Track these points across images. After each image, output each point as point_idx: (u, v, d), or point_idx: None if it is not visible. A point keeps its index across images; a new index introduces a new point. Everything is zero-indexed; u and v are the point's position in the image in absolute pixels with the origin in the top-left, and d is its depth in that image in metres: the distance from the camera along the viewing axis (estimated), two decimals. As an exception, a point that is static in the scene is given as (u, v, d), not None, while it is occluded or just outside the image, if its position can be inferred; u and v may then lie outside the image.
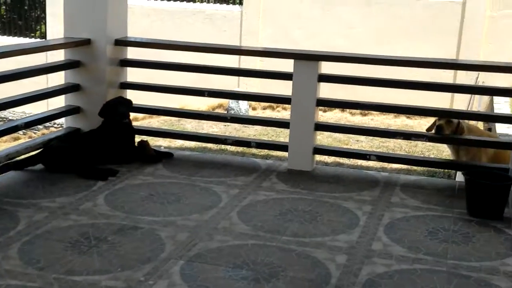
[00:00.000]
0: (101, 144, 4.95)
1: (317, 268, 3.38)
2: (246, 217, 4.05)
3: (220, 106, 10.71)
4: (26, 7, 12.26)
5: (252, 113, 10.85)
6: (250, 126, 9.31)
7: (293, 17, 11.89)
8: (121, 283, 3.12)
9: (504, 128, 6.71)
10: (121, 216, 3.97)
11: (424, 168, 7.44)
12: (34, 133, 9.67)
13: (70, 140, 5.03)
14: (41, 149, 4.90)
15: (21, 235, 3.63)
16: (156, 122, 9.50)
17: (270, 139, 8.69)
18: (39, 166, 4.81)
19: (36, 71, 5.17)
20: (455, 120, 5.07)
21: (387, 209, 4.28)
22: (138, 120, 9.32)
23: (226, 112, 10.50)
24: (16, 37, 12.02)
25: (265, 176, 4.89)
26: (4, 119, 10.84)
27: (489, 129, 7.01)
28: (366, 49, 10.32)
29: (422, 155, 8.53)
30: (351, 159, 7.25)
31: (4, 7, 12.28)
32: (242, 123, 8.71)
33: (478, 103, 10.47)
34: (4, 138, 7.71)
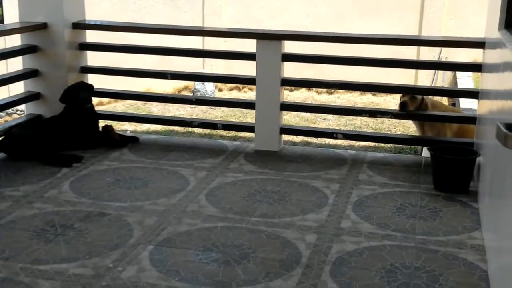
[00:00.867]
0: (64, 130, 4.85)
1: (287, 248, 3.38)
2: (214, 199, 4.02)
3: (186, 88, 10.62)
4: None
5: (218, 95, 10.78)
6: (217, 108, 9.25)
7: (256, -3, 11.81)
8: (89, 271, 3.07)
9: (468, 103, 6.79)
10: (88, 203, 3.90)
11: (391, 145, 7.51)
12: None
13: (32, 127, 4.92)
14: (1, 137, 4.78)
15: (-16, 225, 3.54)
16: (121, 106, 9.37)
17: (237, 121, 8.65)
18: (1, 155, 4.70)
19: (-7, 56, 5.04)
20: (419, 96, 5.10)
21: (355, 187, 4.30)
22: (103, 104, 9.18)
23: (192, 94, 10.41)
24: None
25: (233, 158, 4.87)
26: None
27: (453, 104, 7.09)
28: (330, 28, 10.31)
29: (389, 132, 8.60)
30: (319, 138, 7.27)
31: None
32: (208, 105, 8.65)
33: (442, 79, 10.60)
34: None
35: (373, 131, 8.66)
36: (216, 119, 8.50)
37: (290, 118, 8.57)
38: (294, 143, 7.40)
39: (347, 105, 9.89)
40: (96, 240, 3.40)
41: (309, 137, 7.47)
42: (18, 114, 9.64)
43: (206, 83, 10.21)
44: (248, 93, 10.61)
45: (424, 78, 11.17)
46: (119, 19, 8.88)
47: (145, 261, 3.18)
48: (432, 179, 4.33)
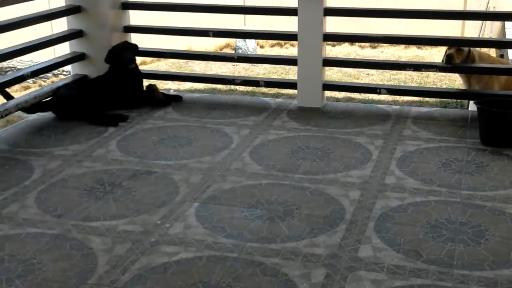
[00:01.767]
0: (109, 90, 4.93)
1: (331, 204, 3.40)
2: (258, 157, 4.05)
3: (227, 45, 10.58)
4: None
5: (260, 52, 10.71)
6: (259, 64, 9.21)
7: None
8: (138, 227, 3.16)
9: (517, 55, 6.58)
10: (134, 161, 3.99)
11: (436, 99, 7.37)
12: (44, 81, 9.64)
13: (78, 87, 5.01)
14: (50, 97, 4.89)
15: (37, 183, 3.67)
16: (164, 65, 9.42)
17: (280, 77, 8.61)
18: (50, 115, 4.82)
19: (37, 18, 5.09)
20: (466, 48, 4.97)
21: (399, 142, 4.26)
22: (146, 64, 9.25)
23: (234, 51, 10.38)
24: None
25: (276, 115, 4.87)
26: (13, 68, 10.79)
27: (501, 56, 6.88)
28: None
29: (434, 86, 8.44)
30: (362, 94, 7.18)
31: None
32: (250, 62, 8.64)
33: (490, 30, 10.27)
34: (15, 87, 7.70)
35: (418, 85, 8.51)
36: (258, 77, 8.48)
37: (333, 74, 8.48)
38: (337, 99, 7.34)
39: (390, 59, 9.71)
40: (144, 198, 3.49)
41: (352, 93, 7.38)
42: (64, 75, 9.81)
43: (247, 40, 10.15)
44: (290, 49, 10.51)
45: (471, 29, 10.84)
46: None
47: (191, 218, 3.25)
48: (479, 134, 4.26)
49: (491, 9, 10.29)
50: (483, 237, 3.03)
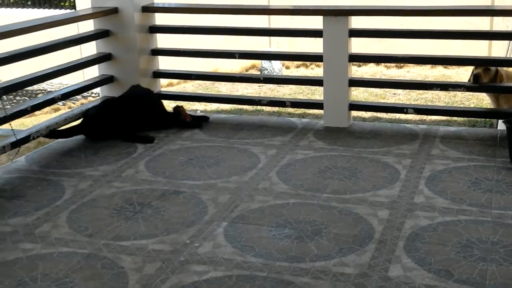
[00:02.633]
0: (134, 113, 4.98)
1: (360, 223, 3.39)
2: (285, 176, 4.06)
3: (253, 67, 10.63)
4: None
5: (285, 72, 10.76)
6: (285, 85, 9.24)
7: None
8: (167, 246, 3.19)
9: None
10: (163, 181, 4.03)
11: (464, 118, 7.31)
12: (73, 103, 9.80)
13: (107, 109, 5.08)
14: (81, 120, 4.98)
15: (68, 203, 3.72)
16: (190, 86, 9.51)
17: (306, 98, 8.63)
18: (80, 136, 4.89)
19: (67, 42, 5.21)
20: (493, 68, 4.95)
21: (428, 161, 4.24)
22: (173, 85, 9.35)
23: (259, 72, 10.45)
24: (46, 9, 12.11)
25: (302, 135, 4.89)
26: (43, 91, 11.00)
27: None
28: (397, 1, 10.08)
29: (462, 105, 8.37)
30: (389, 113, 7.16)
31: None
32: (276, 83, 8.65)
33: (517, 49, 10.18)
34: (45, 109, 7.84)
35: (445, 104, 8.45)
36: (284, 97, 8.51)
37: (359, 94, 8.47)
38: (364, 119, 7.32)
39: (417, 79, 9.68)
40: (173, 217, 3.52)
41: (378, 113, 7.36)
42: (93, 97, 9.97)
43: (273, 61, 10.21)
44: (315, 70, 10.53)
45: (499, 49, 10.76)
46: (186, 1, 9.04)
47: (220, 237, 3.27)
48: (509, 153, 4.22)
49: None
50: (515, 257, 3.00)
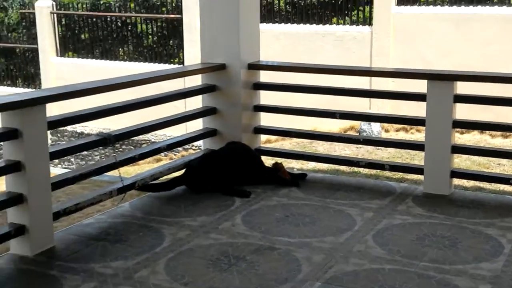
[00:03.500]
0: (234, 167, 5.10)
1: (459, 296, 3.26)
2: (382, 241, 4.00)
3: (352, 128, 10.64)
4: (166, 36, 13.03)
5: (384, 136, 10.67)
6: (383, 148, 9.16)
7: (425, 36, 11.60)
8: (260, 302, 3.20)
9: None
10: (258, 236, 4.07)
11: None
12: (175, 154, 10.16)
13: (209, 162, 5.23)
14: (183, 171, 5.15)
15: (167, 251, 3.84)
16: (288, 144, 9.63)
17: (404, 162, 8.49)
18: (181, 187, 5.06)
19: (176, 95, 5.47)
20: None
21: (534, 236, 4.04)
22: (271, 142, 9.51)
23: (358, 134, 10.42)
24: (156, 64, 12.77)
25: (400, 200, 4.80)
26: (148, 141, 11.51)
27: None
28: (504, 68, 9.83)
29: None
30: (493, 184, 6.90)
31: (150, 38, 13.17)
32: (375, 145, 8.60)
33: None
34: (148, 159, 8.18)
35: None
36: (382, 160, 8.42)
37: (461, 162, 8.23)
38: (465, 188, 7.09)
39: (523, 149, 9.28)
40: (267, 273, 3.53)
41: (482, 182, 7.11)
42: (194, 150, 10.29)
43: (372, 123, 10.16)
44: (415, 135, 10.37)
45: None
46: (289, 60, 9.24)
47: (313, 297, 3.25)
48: None
49: None
50: None
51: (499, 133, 9.98)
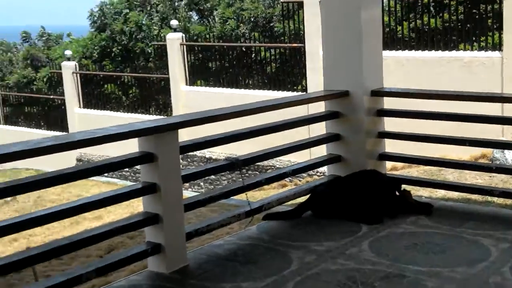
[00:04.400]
0: (360, 193, 5.04)
1: None
2: (520, 273, 3.77)
3: (483, 156, 10.16)
4: (288, 64, 13.27)
5: (518, 164, 10.09)
6: (518, 177, 8.67)
7: None
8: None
9: None
10: (386, 263, 3.99)
11: None
12: (299, 180, 10.24)
13: (334, 187, 5.21)
14: (309, 196, 5.17)
15: (294, 275, 3.87)
16: (415, 171, 9.38)
17: (541, 192, 7.97)
18: (307, 212, 5.08)
19: (299, 122, 5.53)
20: None
21: None
22: (397, 169, 9.31)
23: (490, 162, 9.94)
24: (280, 91, 13.00)
25: (540, 231, 4.51)
26: (272, 167, 11.70)
27: None
28: None
29: None
30: None
31: (273, 66, 13.49)
32: (509, 174, 8.16)
33: None
34: (273, 184, 8.32)
35: None
36: (517, 189, 7.96)
37: None
38: None
39: None
40: (396, 301, 3.45)
41: None
42: (318, 176, 10.30)
43: (506, 151, 9.66)
44: (553, 163, 9.71)
45: None
46: (413, 86, 9.04)
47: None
48: None
49: None
50: None
51: None
